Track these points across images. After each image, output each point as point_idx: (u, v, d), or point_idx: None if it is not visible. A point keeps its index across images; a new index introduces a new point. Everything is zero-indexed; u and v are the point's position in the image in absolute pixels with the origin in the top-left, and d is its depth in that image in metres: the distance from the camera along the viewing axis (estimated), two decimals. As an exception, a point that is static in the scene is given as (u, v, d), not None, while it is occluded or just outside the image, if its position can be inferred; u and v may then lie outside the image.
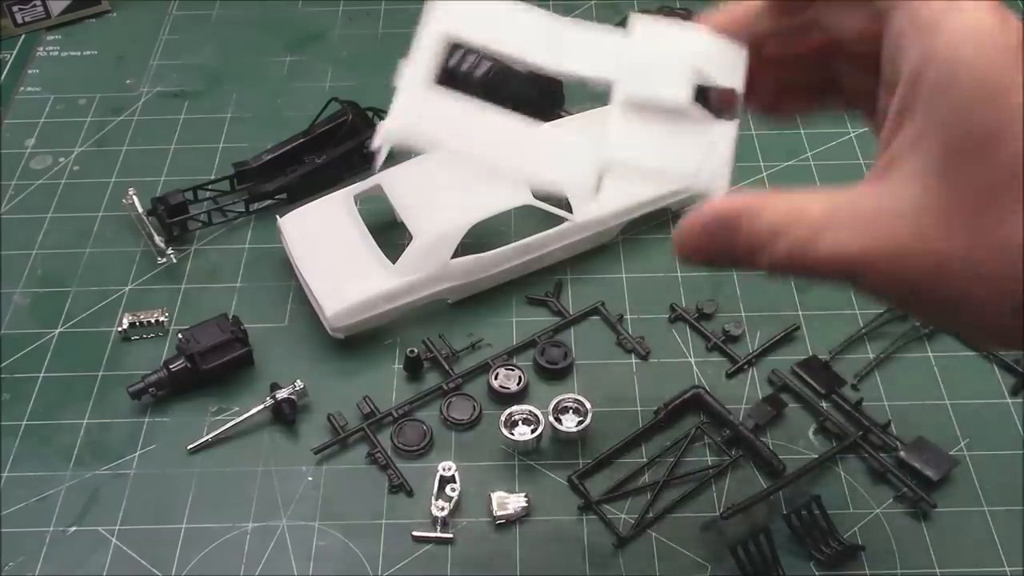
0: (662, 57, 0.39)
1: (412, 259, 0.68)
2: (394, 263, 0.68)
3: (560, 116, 0.83)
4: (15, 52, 0.95)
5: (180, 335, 0.67)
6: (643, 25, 0.40)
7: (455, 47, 0.84)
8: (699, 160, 0.38)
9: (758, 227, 0.34)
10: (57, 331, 0.71)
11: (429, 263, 0.68)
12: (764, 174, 0.81)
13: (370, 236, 0.70)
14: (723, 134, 0.39)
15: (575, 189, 0.39)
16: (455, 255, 0.68)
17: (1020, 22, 0.30)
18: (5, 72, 0.93)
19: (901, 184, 0.31)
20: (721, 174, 0.38)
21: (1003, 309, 0.30)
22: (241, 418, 0.65)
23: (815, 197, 0.33)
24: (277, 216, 0.73)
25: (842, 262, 0.32)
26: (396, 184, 0.72)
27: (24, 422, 0.66)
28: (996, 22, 0.30)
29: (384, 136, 0.41)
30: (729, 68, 0.39)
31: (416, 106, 0.41)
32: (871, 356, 0.68)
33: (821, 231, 0.32)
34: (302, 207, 0.74)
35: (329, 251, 0.70)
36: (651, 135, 0.38)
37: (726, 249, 0.35)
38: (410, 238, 0.68)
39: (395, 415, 0.65)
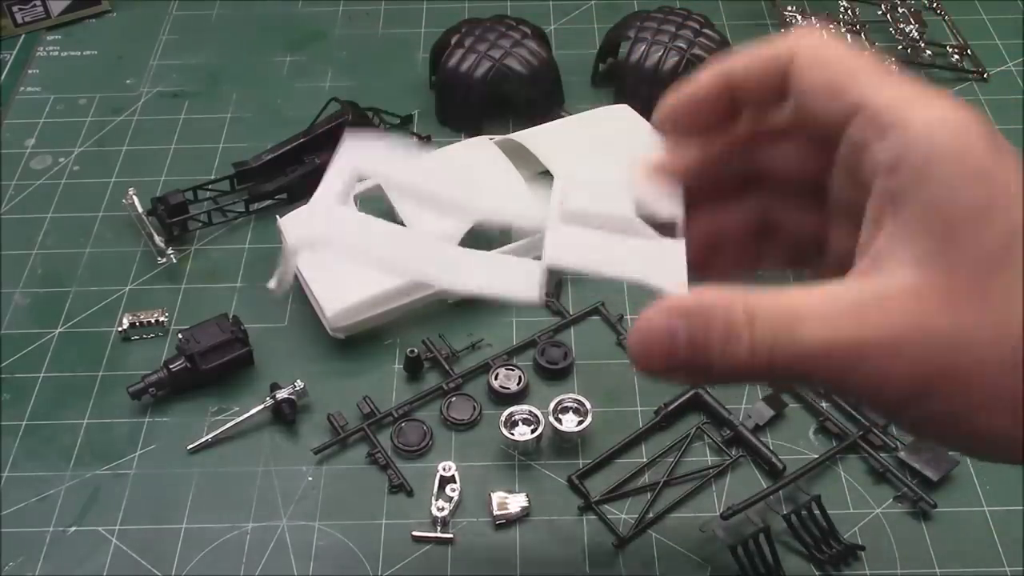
0: (599, 182, 0.37)
1: (412, 259, 0.68)
2: (394, 263, 0.68)
3: (560, 116, 0.83)
4: (15, 52, 0.95)
5: (180, 335, 0.67)
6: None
7: (455, 46, 0.84)
8: (651, 259, 0.35)
9: (734, 317, 0.30)
10: (57, 331, 0.71)
11: (429, 263, 0.68)
12: (764, 174, 0.81)
13: (370, 236, 0.70)
14: (673, 249, 0.36)
15: (519, 296, 0.36)
16: (455, 255, 0.68)
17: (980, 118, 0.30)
18: (5, 72, 0.93)
19: (892, 273, 0.29)
20: (678, 273, 0.35)
21: (1004, 404, 0.28)
22: (241, 418, 0.65)
23: (795, 290, 0.30)
24: (277, 216, 0.73)
25: (832, 351, 0.29)
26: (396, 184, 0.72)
27: (24, 422, 0.66)
28: (963, 113, 0.30)
29: (292, 246, 0.39)
30: (665, 201, 0.36)
31: (325, 215, 0.38)
32: (871, 356, 0.68)
33: (806, 317, 0.29)
34: (302, 207, 0.74)
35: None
36: (594, 238, 0.36)
37: (696, 345, 0.30)
38: (410, 238, 0.68)
39: (395, 415, 0.65)
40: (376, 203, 0.73)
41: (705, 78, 0.34)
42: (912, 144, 0.29)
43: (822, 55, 0.32)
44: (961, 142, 0.29)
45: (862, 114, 0.31)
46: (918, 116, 0.30)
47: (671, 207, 0.36)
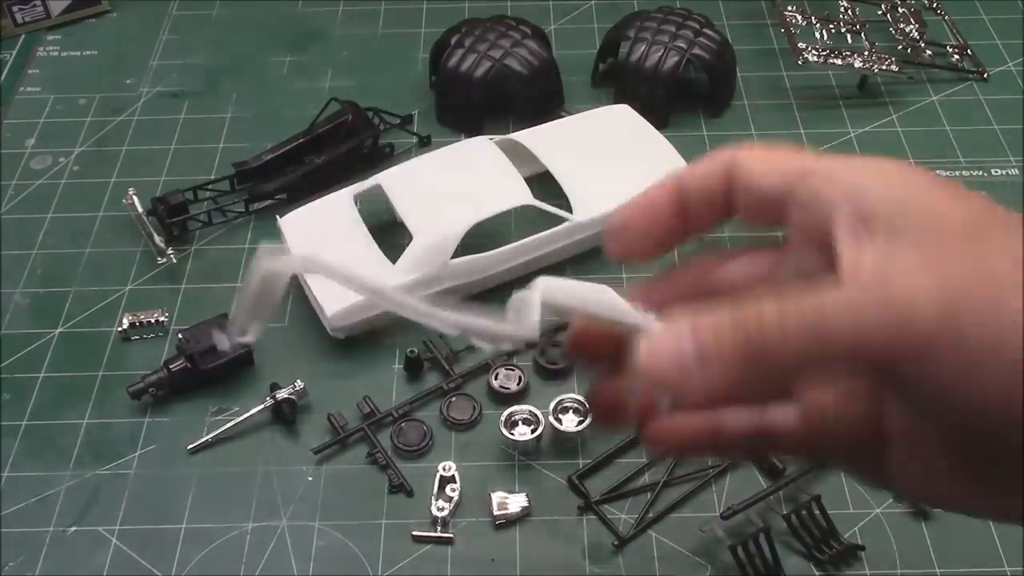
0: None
1: (412, 259, 0.68)
2: (394, 263, 0.68)
3: (560, 116, 0.83)
4: (15, 52, 0.95)
5: (180, 335, 0.67)
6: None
7: (455, 47, 0.84)
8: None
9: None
10: (57, 331, 0.71)
11: (429, 263, 0.68)
12: (764, 174, 0.80)
13: (370, 236, 0.70)
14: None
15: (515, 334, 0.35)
16: (455, 255, 0.68)
17: None
18: (5, 72, 0.93)
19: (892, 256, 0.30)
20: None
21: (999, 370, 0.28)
22: (241, 418, 0.65)
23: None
24: (277, 216, 0.73)
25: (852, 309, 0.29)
26: (396, 184, 0.72)
27: (24, 422, 0.66)
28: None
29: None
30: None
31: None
32: (871, 356, 0.68)
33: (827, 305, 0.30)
34: (302, 207, 0.74)
35: (329, 251, 0.70)
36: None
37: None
38: (410, 238, 0.68)
39: (395, 415, 0.65)
40: (376, 202, 0.73)
41: (656, 186, 0.36)
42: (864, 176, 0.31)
43: (761, 150, 0.34)
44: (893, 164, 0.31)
45: (812, 174, 0.32)
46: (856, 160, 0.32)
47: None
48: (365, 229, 0.71)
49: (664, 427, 0.36)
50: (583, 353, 0.38)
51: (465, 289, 0.70)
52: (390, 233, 0.72)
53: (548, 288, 0.34)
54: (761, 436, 0.36)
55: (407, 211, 0.70)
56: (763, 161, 0.34)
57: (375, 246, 0.70)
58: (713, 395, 0.30)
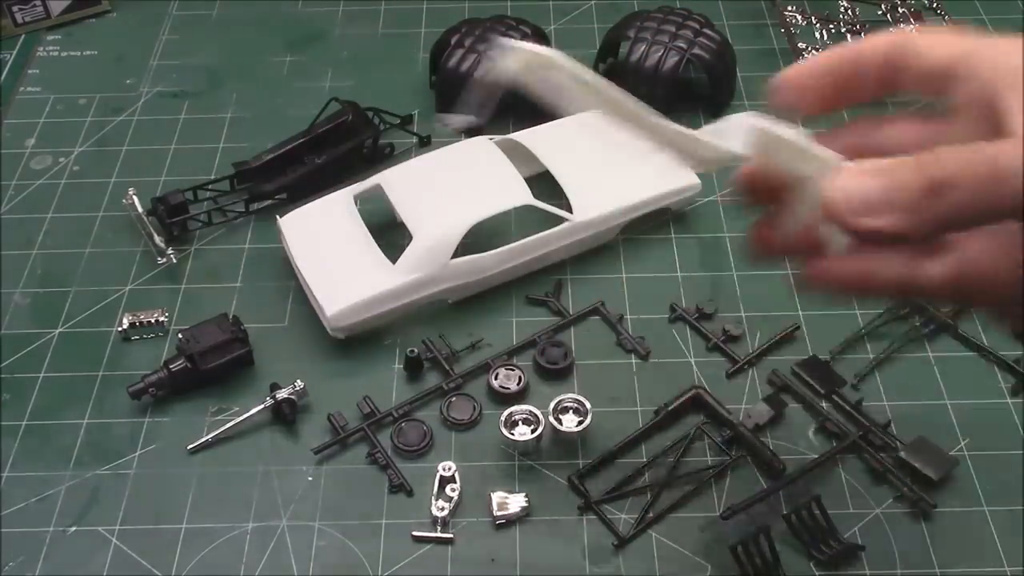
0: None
1: (412, 259, 0.68)
2: (394, 263, 0.68)
3: (560, 116, 0.83)
4: (15, 52, 0.95)
5: (180, 335, 0.67)
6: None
7: (455, 47, 0.84)
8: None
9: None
10: (57, 331, 0.71)
11: (429, 263, 0.68)
12: (764, 174, 0.81)
13: (370, 236, 0.70)
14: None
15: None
16: (455, 255, 0.68)
17: None
18: (5, 72, 0.93)
19: None
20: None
21: None
22: (241, 418, 0.65)
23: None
24: (277, 216, 0.73)
25: None
26: (396, 184, 0.72)
27: (24, 422, 0.66)
28: None
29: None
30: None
31: None
32: (871, 356, 0.68)
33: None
34: (302, 207, 0.74)
35: (329, 251, 0.70)
36: None
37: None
38: (410, 238, 0.68)
39: (395, 415, 0.65)
40: (376, 202, 0.73)
41: (827, 52, 0.38)
42: None
43: (927, 33, 0.37)
44: None
45: (977, 52, 0.35)
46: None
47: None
48: (365, 229, 0.71)
49: (823, 266, 0.38)
50: (751, 190, 0.40)
51: (465, 289, 0.71)
52: (390, 233, 0.72)
53: (751, 119, 0.37)
54: (910, 284, 0.37)
55: (407, 211, 0.70)
56: (930, 38, 0.36)
57: (375, 246, 0.70)
58: (891, 232, 0.33)
